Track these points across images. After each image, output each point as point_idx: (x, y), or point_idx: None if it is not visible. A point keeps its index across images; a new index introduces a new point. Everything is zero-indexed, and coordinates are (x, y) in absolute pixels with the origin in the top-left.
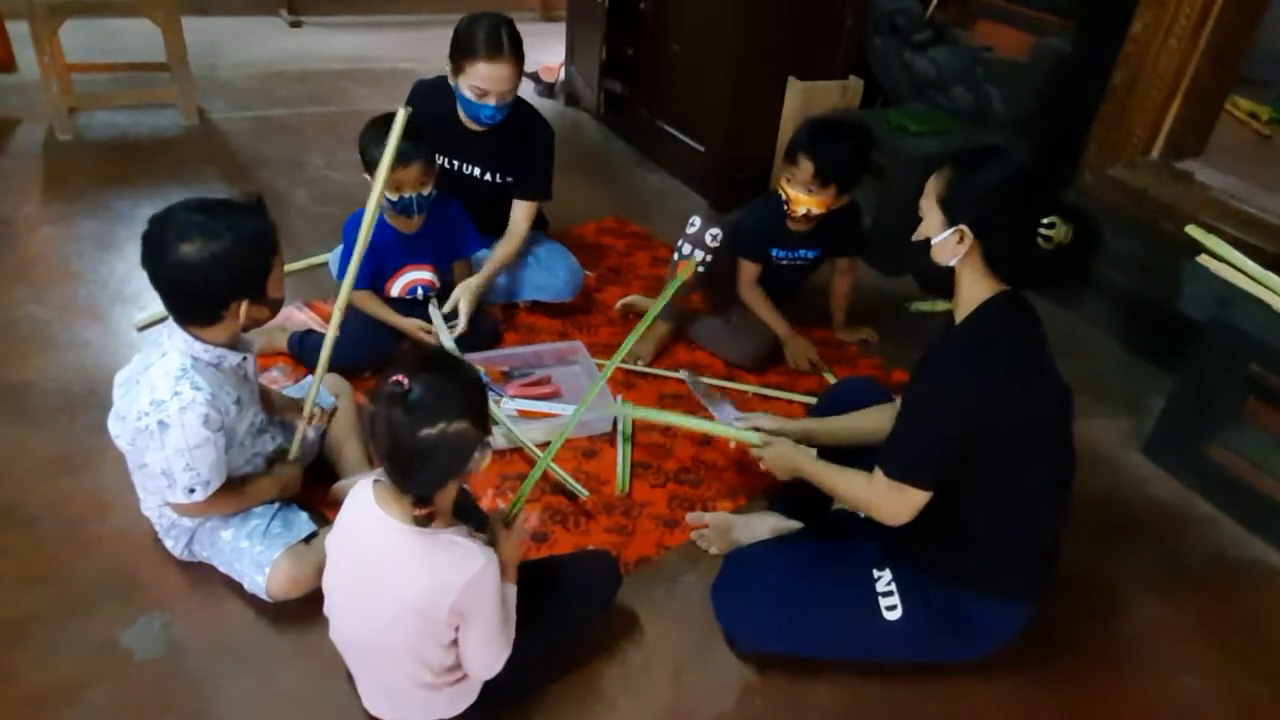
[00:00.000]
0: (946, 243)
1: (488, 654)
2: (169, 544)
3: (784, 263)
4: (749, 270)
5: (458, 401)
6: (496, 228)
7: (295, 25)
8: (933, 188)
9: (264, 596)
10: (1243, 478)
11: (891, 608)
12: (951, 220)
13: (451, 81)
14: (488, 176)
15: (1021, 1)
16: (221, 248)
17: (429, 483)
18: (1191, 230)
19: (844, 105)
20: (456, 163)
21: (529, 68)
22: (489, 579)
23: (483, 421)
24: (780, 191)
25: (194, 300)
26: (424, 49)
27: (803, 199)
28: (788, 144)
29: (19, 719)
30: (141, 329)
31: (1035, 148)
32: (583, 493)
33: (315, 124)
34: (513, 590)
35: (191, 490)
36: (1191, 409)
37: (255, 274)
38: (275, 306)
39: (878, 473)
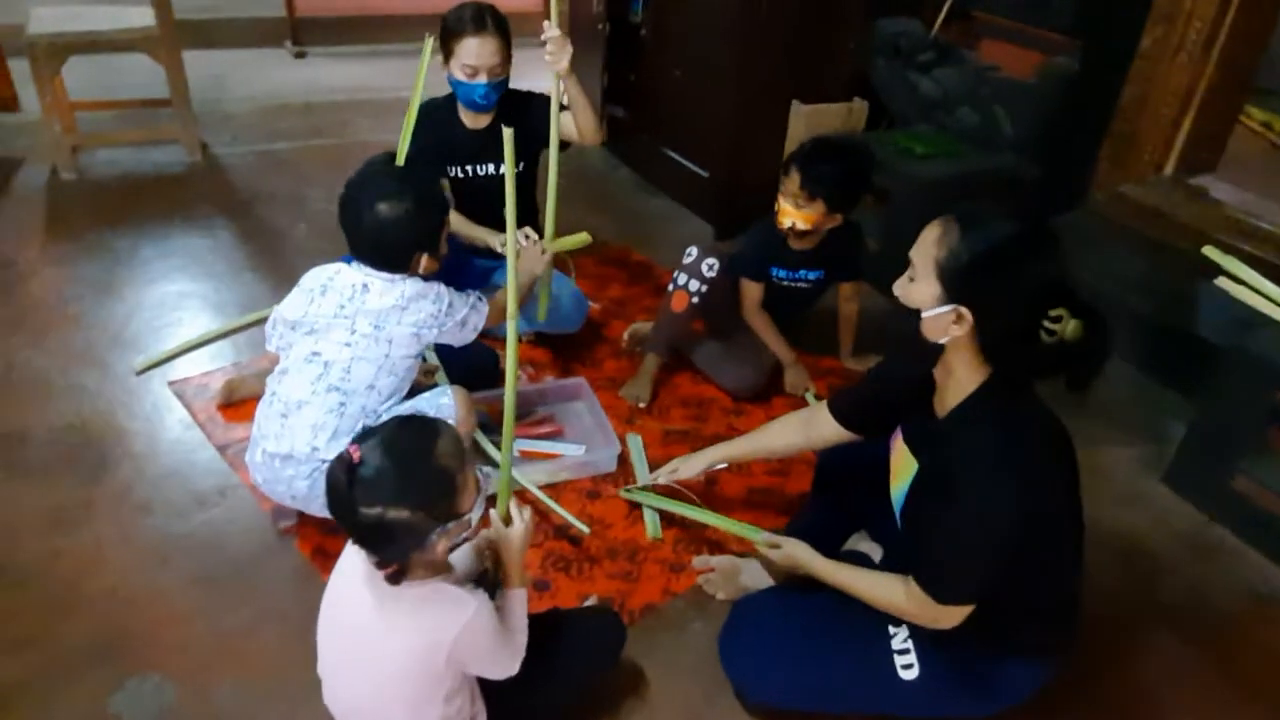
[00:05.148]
0: (940, 320)
1: (500, 672)
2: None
3: (785, 284)
4: (752, 291)
5: (401, 489)
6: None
7: (299, 56)
8: (930, 246)
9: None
10: (1268, 509)
11: (908, 666)
12: (950, 296)
13: (445, 73)
14: (504, 169)
15: (1026, 20)
16: (407, 207)
17: (380, 552)
18: (1209, 252)
19: (849, 128)
20: (470, 168)
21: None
22: (482, 623)
23: (435, 510)
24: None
25: (389, 251)
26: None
27: (789, 211)
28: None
29: None
30: (140, 372)
31: (1043, 170)
32: (584, 529)
33: (316, 157)
34: (521, 598)
35: (480, 298)
36: (1213, 438)
37: (435, 231)
38: (442, 262)
39: (919, 591)
